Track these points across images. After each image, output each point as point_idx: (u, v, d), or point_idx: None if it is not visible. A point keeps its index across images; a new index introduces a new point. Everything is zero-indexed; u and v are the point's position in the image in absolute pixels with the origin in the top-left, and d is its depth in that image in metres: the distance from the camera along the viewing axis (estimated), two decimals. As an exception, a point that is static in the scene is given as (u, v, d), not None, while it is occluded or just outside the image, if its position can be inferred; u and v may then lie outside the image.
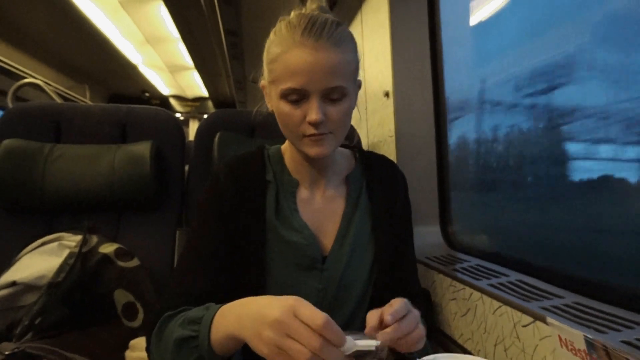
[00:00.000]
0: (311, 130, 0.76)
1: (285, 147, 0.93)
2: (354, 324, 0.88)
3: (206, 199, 0.86)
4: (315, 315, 0.54)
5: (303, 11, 0.79)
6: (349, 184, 0.92)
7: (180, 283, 0.80)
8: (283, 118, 0.79)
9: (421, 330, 0.64)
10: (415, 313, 0.66)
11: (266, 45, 0.80)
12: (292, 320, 0.54)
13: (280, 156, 0.92)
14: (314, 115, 0.74)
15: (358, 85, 0.86)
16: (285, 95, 0.76)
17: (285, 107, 0.77)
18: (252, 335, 0.57)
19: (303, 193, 0.90)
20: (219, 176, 0.87)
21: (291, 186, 0.89)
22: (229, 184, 0.85)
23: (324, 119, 0.75)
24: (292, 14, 0.79)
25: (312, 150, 0.78)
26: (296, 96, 0.75)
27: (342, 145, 0.99)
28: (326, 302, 0.86)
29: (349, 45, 0.78)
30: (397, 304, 0.64)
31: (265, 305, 0.58)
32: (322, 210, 0.89)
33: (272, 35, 0.79)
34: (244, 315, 0.60)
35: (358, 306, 0.88)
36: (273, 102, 0.81)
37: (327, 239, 0.88)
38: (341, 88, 0.75)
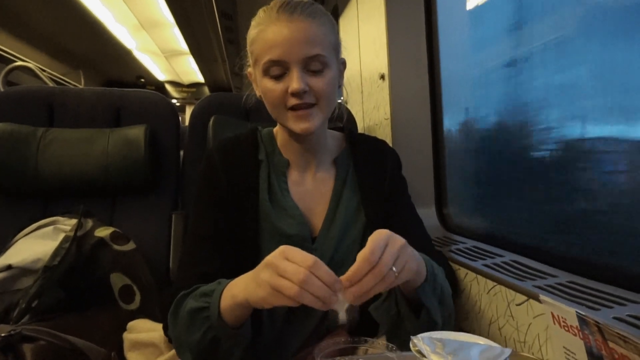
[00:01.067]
0: (294, 101, 0.77)
1: (277, 129, 0.94)
2: None
3: (202, 182, 0.88)
4: (305, 256, 0.58)
5: None
6: (337, 165, 0.93)
7: (191, 265, 0.82)
8: (267, 95, 0.80)
9: (392, 260, 0.59)
10: (396, 246, 0.61)
11: (247, 35, 0.84)
12: (281, 260, 0.59)
13: (272, 137, 0.94)
14: (294, 84, 0.76)
15: (342, 63, 0.88)
16: (266, 71, 0.78)
17: (268, 83, 0.79)
18: (252, 288, 0.62)
19: (294, 174, 0.91)
20: (212, 157, 0.88)
21: (282, 166, 0.90)
22: (222, 165, 0.87)
23: (306, 88, 0.77)
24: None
25: (298, 126, 0.80)
26: (277, 70, 0.77)
27: (335, 128, 0.99)
28: None
29: (324, 18, 0.81)
30: (368, 246, 0.59)
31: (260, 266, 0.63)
32: (312, 191, 0.91)
33: (252, 23, 0.83)
34: (247, 279, 0.65)
35: None
36: (258, 85, 0.83)
37: (317, 220, 0.89)
38: (320, 57, 0.77)
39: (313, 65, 0.78)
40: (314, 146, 0.90)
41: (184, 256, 0.86)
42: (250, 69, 0.88)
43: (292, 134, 0.86)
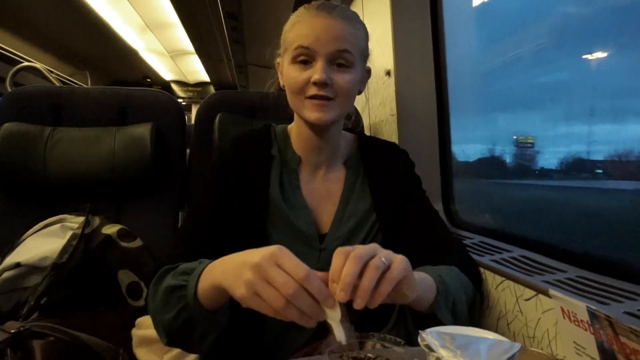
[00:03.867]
0: (314, 91, 0.79)
1: (292, 126, 0.95)
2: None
3: (211, 171, 0.89)
4: (297, 266, 0.53)
5: None
6: (348, 167, 0.94)
7: (182, 243, 0.82)
8: (290, 82, 0.82)
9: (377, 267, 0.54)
10: (371, 245, 0.58)
11: (284, 27, 0.87)
12: (271, 266, 0.53)
13: (285, 134, 0.95)
14: (317, 74, 0.78)
15: (367, 71, 0.91)
16: (294, 57, 0.81)
17: (293, 70, 0.81)
18: (233, 279, 0.58)
19: (305, 172, 0.92)
20: (225, 149, 0.89)
21: (294, 162, 0.91)
22: (234, 157, 0.88)
23: (328, 81, 0.79)
24: None
25: (313, 115, 0.81)
26: (304, 57, 0.80)
27: (348, 130, 1.00)
28: None
29: (359, 25, 0.85)
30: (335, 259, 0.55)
31: (249, 253, 0.58)
32: (321, 190, 0.91)
33: (290, 17, 0.87)
34: (230, 264, 0.61)
35: None
36: (284, 73, 0.85)
37: (326, 219, 0.90)
38: (347, 53, 0.80)
39: (339, 60, 0.80)
40: (327, 143, 0.91)
41: (178, 234, 0.85)
42: (279, 59, 0.91)
43: (307, 126, 0.87)
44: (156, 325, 0.73)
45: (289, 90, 0.84)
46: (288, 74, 0.82)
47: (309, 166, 0.92)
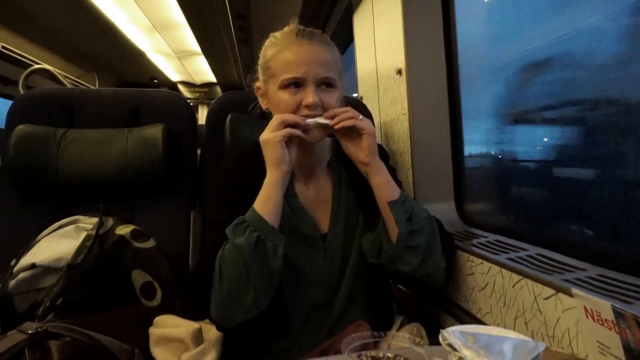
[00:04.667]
0: (306, 112, 0.88)
1: None
2: (360, 293, 0.97)
3: (220, 187, 0.98)
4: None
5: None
6: (332, 169, 1.02)
7: (212, 246, 0.87)
8: (282, 105, 0.90)
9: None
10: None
11: (261, 53, 0.96)
12: (267, 133, 0.85)
13: None
14: (310, 98, 0.87)
15: (342, 90, 0.99)
16: (285, 85, 0.89)
17: (284, 95, 0.89)
18: (269, 162, 0.86)
19: (298, 181, 1.00)
20: (228, 167, 0.98)
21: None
22: (238, 172, 0.96)
23: (319, 102, 0.88)
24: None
25: (309, 135, 0.89)
26: (294, 85, 0.89)
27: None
28: (333, 277, 0.96)
29: (335, 48, 0.94)
30: None
31: None
32: (315, 196, 0.99)
33: (266, 43, 0.95)
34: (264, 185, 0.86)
35: (361, 275, 0.97)
36: (271, 96, 0.93)
37: (324, 220, 0.98)
38: (332, 79, 0.90)
39: (325, 85, 0.90)
40: (315, 156, 0.99)
41: (203, 253, 0.95)
42: (259, 84, 0.98)
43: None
44: (232, 261, 0.80)
45: (279, 112, 0.90)
46: (278, 98, 0.90)
47: (300, 176, 1.00)
